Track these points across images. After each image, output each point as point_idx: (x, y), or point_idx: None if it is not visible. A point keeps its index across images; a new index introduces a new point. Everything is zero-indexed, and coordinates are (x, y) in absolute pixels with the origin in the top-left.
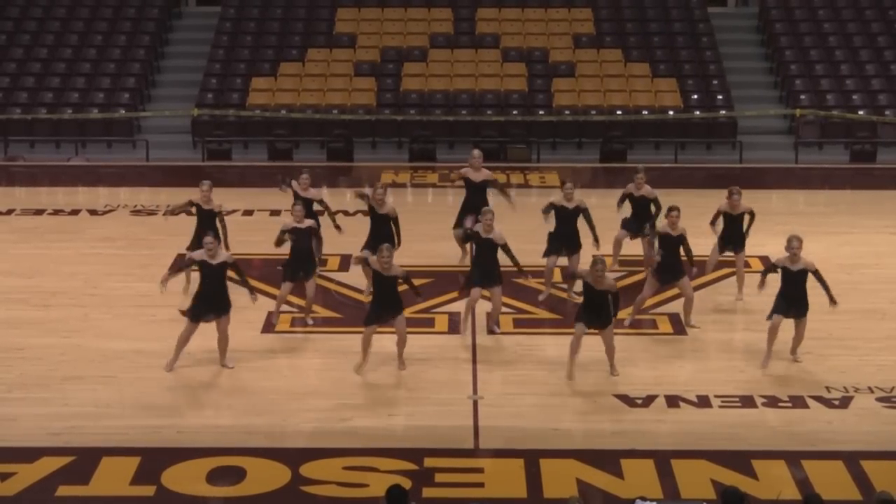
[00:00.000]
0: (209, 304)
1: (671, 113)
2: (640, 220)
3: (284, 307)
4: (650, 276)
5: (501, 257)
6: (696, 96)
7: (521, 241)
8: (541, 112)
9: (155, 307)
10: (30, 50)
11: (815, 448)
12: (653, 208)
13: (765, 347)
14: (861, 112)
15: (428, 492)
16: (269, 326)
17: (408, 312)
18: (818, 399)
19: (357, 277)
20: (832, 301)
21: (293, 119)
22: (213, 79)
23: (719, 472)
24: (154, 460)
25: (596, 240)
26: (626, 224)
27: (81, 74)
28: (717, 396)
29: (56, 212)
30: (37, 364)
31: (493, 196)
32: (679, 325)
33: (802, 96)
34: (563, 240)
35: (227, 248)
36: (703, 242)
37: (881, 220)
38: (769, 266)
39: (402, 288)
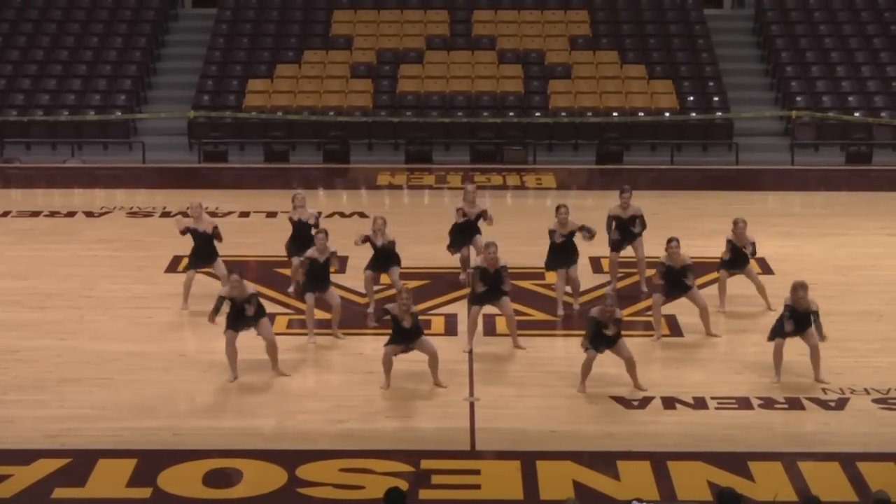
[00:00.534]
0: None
1: (667, 115)
2: (631, 238)
3: (280, 309)
4: (655, 295)
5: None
6: (692, 98)
7: (517, 244)
8: (537, 114)
9: (151, 309)
10: (26, 52)
11: (812, 449)
12: (638, 226)
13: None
14: (857, 114)
15: (425, 494)
16: None
17: None
18: (814, 401)
19: (352, 280)
20: (821, 337)
21: (289, 121)
22: (209, 80)
23: (716, 473)
24: (150, 462)
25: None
26: (617, 245)
27: (77, 76)
28: (713, 398)
29: (52, 213)
30: (33, 366)
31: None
32: (676, 328)
33: (798, 98)
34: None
35: None
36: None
37: (877, 222)
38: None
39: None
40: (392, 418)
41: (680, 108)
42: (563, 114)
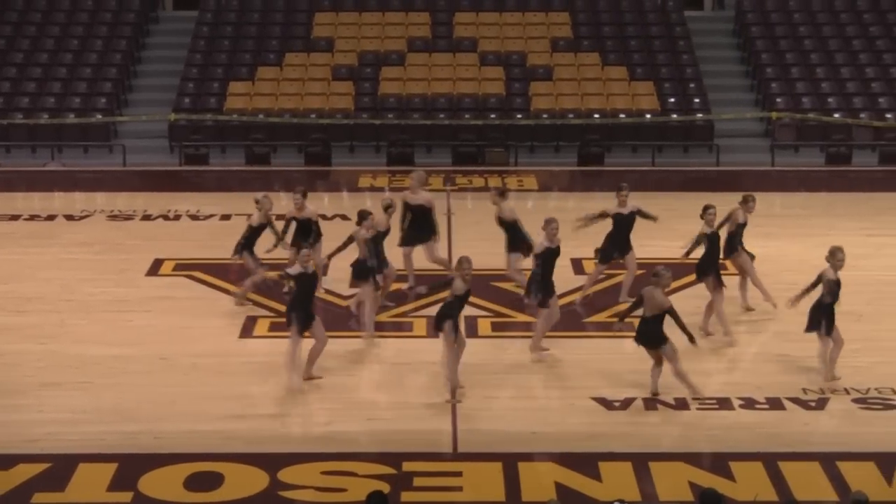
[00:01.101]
0: (308, 313)
1: (648, 116)
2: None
3: (262, 311)
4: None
5: None
6: (673, 100)
7: (499, 246)
8: (518, 116)
9: (131, 312)
10: (5, 55)
11: (792, 449)
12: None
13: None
14: (837, 115)
15: (407, 496)
16: (247, 331)
17: (386, 317)
18: (795, 401)
19: (335, 283)
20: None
21: (271, 123)
22: (190, 83)
23: (697, 474)
24: (131, 466)
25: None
26: (606, 257)
27: (57, 79)
28: (694, 399)
29: (32, 217)
30: (13, 370)
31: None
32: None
33: (778, 99)
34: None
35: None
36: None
37: (857, 222)
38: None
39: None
40: (374, 420)
41: (661, 109)
42: (545, 115)
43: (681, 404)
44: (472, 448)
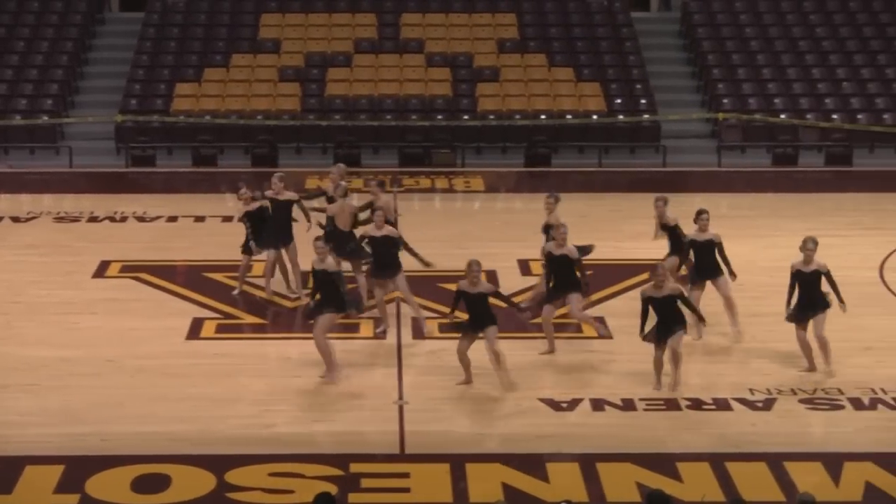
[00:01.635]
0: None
1: (595, 117)
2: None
3: (209, 313)
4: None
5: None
6: (619, 100)
7: (446, 247)
8: (465, 117)
9: (78, 314)
10: None
11: (739, 450)
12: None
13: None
14: (783, 116)
15: (354, 497)
16: (194, 333)
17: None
18: (742, 401)
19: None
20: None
21: (218, 125)
22: (136, 84)
23: (644, 474)
24: (78, 468)
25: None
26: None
27: (3, 81)
28: (641, 399)
29: None
30: None
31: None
32: (605, 330)
33: (725, 100)
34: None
35: None
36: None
37: (804, 223)
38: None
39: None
40: (321, 422)
41: (608, 110)
42: (492, 117)
43: (628, 405)
44: (419, 449)
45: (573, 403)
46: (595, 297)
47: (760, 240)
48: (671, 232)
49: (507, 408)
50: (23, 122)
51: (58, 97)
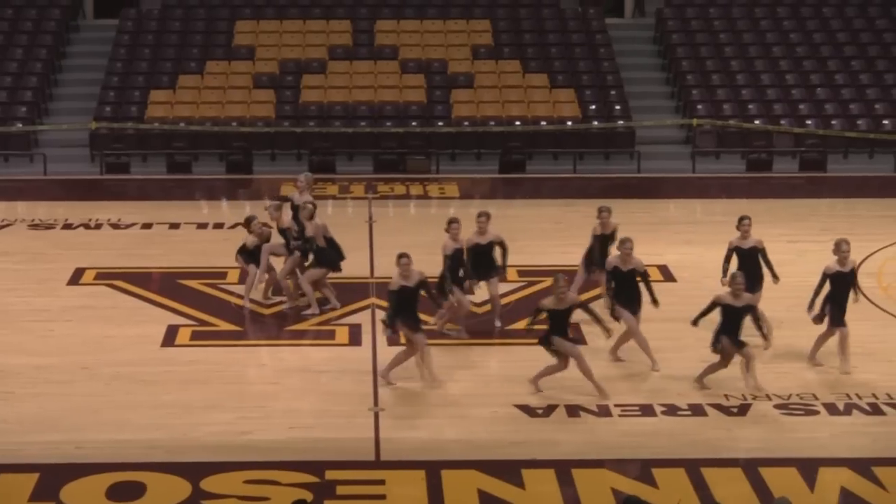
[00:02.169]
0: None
1: (570, 123)
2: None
3: (184, 320)
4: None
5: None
6: (594, 107)
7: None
8: (440, 123)
9: (53, 322)
10: None
11: (715, 455)
12: (499, 251)
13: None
14: (757, 122)
15: None
16: (169, 340)
17: (308, 325)
18: (717, 407)
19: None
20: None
21: (192, 132)
22: (111, 92)
23: (620, 480)
24: (53, 476)
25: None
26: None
27: None
28: (616, 405)
29: None
30: None
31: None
32: (578, 335)
33: (699, 106)
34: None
35: None
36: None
37: (778, 229)
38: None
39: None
40: (296, 429)
41: (582, 116)
42: (466, 123)
43: (603, 411)
44: (395, 456)
45: (548, 410)
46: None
47: None
48: (603, 241)
49: (483, 414)
50: None
51: (32, 104)
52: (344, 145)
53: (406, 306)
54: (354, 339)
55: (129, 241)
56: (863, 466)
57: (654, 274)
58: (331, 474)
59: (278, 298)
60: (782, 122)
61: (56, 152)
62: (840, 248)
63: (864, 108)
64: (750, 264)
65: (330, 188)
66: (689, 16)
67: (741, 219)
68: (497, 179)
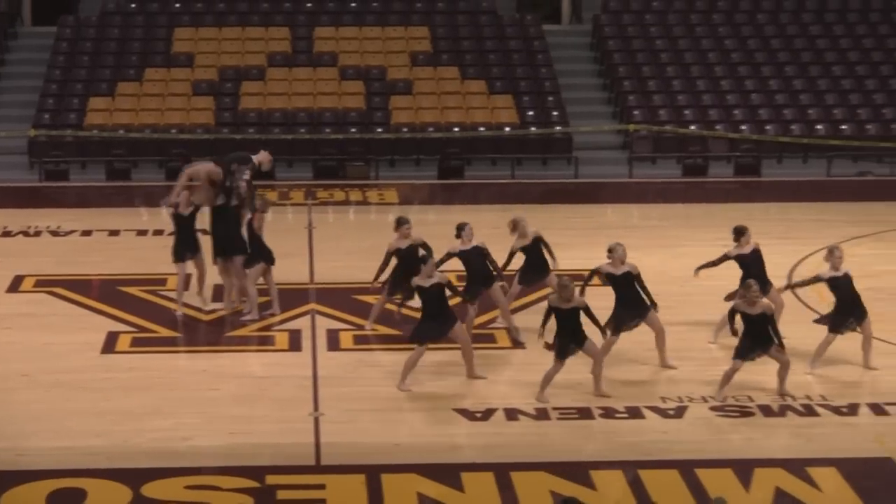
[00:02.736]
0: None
1: (508, 129)
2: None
3: (124, 327)
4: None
5: None
6: (531, 113)
7: (360, 259)
8: (379, 129)
9: None
10: None
11: (652, 457)
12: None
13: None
14: (692, 127)
15: None
16: (109, 347)
17: (247, 331)
18: (654, 409)
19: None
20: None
21: (131, 139)
22: (49, 99)
23: (558, 483)
24: None
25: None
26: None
27: None
28: (555, 409)
29: None
30: None
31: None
32: (517, 341)
33: (635, 112)
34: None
35: None
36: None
37: (713, 233)
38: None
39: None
40: (237, 434)
41: (520, 122)
42: (405, 129)
43: (542, 414)
44: (335, 460)
45: (487, 413)
46: (511, 306)
47: (671, 249)
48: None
49: (422, 418)
50: None
51: None
52: (283, 152)
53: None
54: (294, 344)
55: (69, 249)
56: (797, 467)
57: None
58: (271, 479)
59: (217, 305)
60: (717, 127)
61: None
62: (833, 255)
63: (797, 114)
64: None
65: (269, 194)
66: (626, 22)
67: (739, 230)
68: (436, 185)
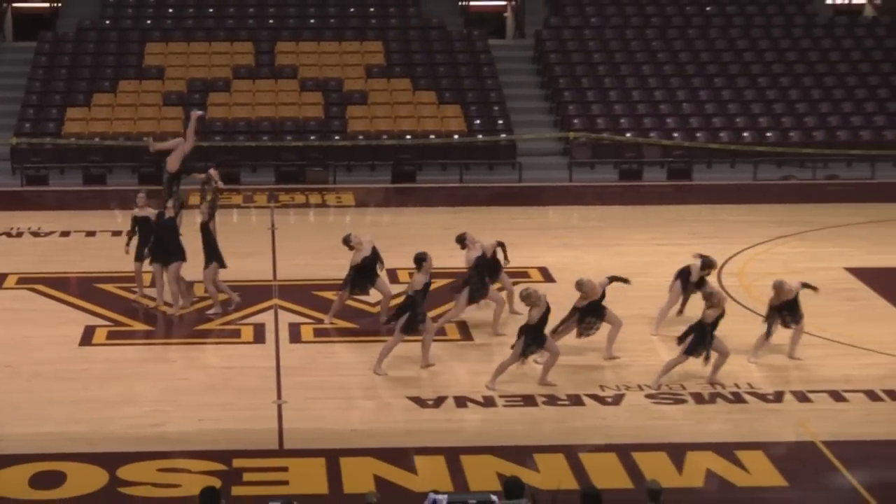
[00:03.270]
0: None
1: (456, 137)
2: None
3: (101, 321)
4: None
5: None
6: (478, 121)
7: (320, 258)
8: (336, 137)
9: None
10: None
11: (591, 442)
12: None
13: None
14: (628, 134)
15: (237, 490)
16: (86, 340)
17: (214, 325)
18: (593, 397)
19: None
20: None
21: (106, 146)
22: (30, 109)
23: (504, 465)
24: None
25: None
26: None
27: None
28: (501, 396)
29: None
30: None
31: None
32: (465, 332)
33: (575, 120)
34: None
35: None
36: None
37: (648, 233)
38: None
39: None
40: (206, 421)
41: (468, 130)
42: (361, 137)
43: (489, 402)
44: (296, 445)
45: (439, 401)
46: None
47: (608, 248)
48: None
49: (377, 406)
50: None
51: None
52: (247, 158)
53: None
54: (259, 337)
55: (49, 248)
56: (726, 450)
57: (535, 275)
58: (238, 462)
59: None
60: (651, 134)
61: None
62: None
63: (725, 122)
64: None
65: (235, 198)
66: (566, 37)
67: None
68: (390, 189)
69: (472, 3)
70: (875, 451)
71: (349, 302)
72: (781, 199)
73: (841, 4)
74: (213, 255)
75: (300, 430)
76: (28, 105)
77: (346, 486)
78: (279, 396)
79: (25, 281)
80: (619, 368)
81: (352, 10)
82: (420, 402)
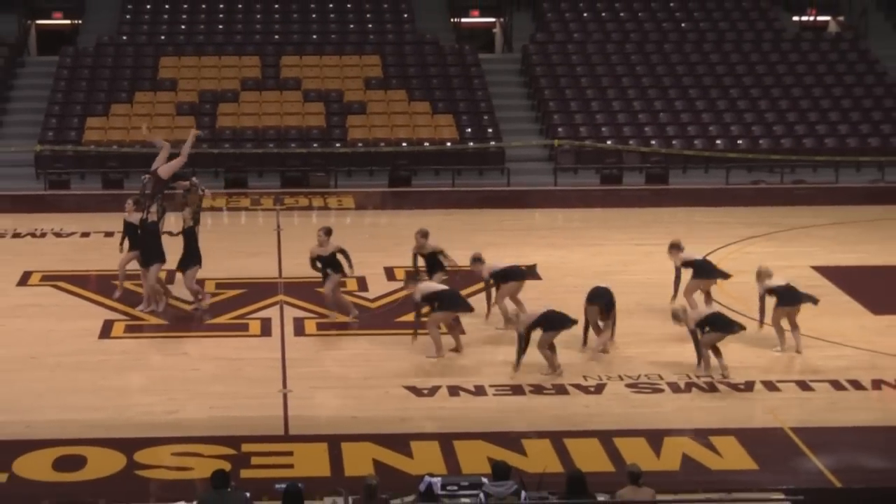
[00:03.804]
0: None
1: (449, 144)
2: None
3: (118, 316)
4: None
5: None
6: (469, 130)
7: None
8: (337, 144)
9: (4, 318)
10: None
11: (575, 428)
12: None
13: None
14: (609, 142)
15: (245, 473)
16: (105, 333)
17: (224, 319)
18: (577, 386)
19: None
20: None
21: (124, 153)
22: (52, 118)
23: (494, 450)
24: (6, 451)
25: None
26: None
27: None
28: (491, 386)
29: None
30: None
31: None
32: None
33: (560, 129)
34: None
35: None
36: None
37: (627, 234)
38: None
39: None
40: (216, 408)
41: (459, 138)
42: (360, 144)
43: (480, 391)
44: (301, 431)
45: (433, 390)
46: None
47: (591, 248)
48: (429, 258)
49: (376, 395)
50: None
51: None
52: (254, 164)
53: None
54: (265, 330)
55: (70, 248)
56: (701, 436)
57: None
58: (246, 447)
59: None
60: (631, 142)
61: (5, 171)
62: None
63: (700, 130)
64: None
65: (243, 201)
66: (551, 51)
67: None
68: (387, 192)
69: (463, 20)
70: (839, 437)
71: (353, 299)
72: (752, 202)
73: (807, 21)
74: (194, 257)
75: (304, 417)
76: (51, 115)
77: (347, 469)
78: (285, 386)
79: (48, 278)
80: (602, 359)
81: (351, 26)
82: (416, 391)
